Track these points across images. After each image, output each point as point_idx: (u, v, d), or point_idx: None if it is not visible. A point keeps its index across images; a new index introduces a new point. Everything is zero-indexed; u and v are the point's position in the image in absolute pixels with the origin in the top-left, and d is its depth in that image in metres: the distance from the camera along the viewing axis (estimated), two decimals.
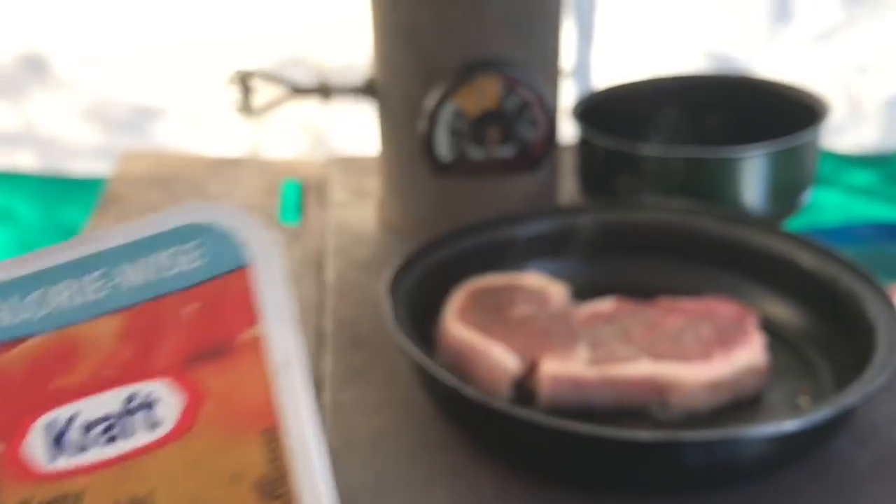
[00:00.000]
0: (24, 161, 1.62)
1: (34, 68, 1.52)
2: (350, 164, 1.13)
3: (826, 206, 1.79)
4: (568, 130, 0.95)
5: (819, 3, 1.58)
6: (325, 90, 0.91)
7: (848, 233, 1.82)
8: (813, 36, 1.58)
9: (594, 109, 1.00)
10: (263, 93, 0.93)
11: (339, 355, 0.72)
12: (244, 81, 0.89)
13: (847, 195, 1.78)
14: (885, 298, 0.66)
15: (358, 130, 1.63)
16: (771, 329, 0.73)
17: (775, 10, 1.60)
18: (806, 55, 1.58)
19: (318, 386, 0.69)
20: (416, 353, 0.60)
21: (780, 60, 1.58)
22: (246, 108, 0.89)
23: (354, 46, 1.49)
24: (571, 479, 0.58)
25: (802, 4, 1.59)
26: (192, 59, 1.53)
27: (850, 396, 0.55)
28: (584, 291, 0.76)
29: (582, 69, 1.57)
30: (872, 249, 1.78)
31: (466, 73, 0.83)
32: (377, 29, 0.88)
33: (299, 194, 1.04)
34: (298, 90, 0.91)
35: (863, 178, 1.78)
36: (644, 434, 0.51)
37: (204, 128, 1.59)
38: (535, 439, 0.55)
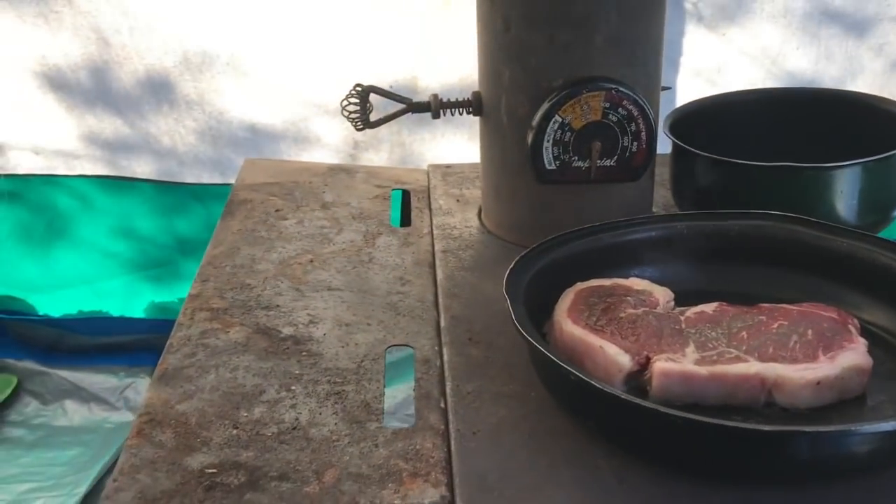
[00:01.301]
0: (142, 172, 1.73)
1: (157, 89, 1.63)
2: (448, 173, 1.19)
3: None
4: (659, 143, 0.99)
5: None
6: (436, 105, 0.97)
7: None
8: (895, 63, 1.59)
9: (686, 122, 1.04)
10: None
11: (457, 350, 0.78)
12: (364, 95, 0.95)
13: None
14: None
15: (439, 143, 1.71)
16: (873, 334, 0.76)
17: (860, 34, 1.61)
18: (887, 81, 1.58)
19: (440, 377, 0.75)
20: (543, 349, 0.64)
21: (862, 87, 1.59)
22: (365, 120, 0.96)
23: (448, 65, 1.58)
24: (687, 466, 0.62)
25: (886, 32, 1.59)
26: (295, 80, 1.62)
27: None
28: (684, 297, 0.81)
29: (668, 93, 1.60)
30: None
31: (573, 89, 0.88)
32: (486, 50, 0.94)
33: (407, 201, 1.11)
34: (413, 105, 0.97)
35: None
36: (765, 425, 0.55)
37: (303, 144, 1.68)
38: (659, 429, 0.60)
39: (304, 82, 1.63)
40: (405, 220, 1.09)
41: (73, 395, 1.92)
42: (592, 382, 0.61)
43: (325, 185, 1.12)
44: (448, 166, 1.21)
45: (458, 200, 1.10)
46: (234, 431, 0.69)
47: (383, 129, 1.68)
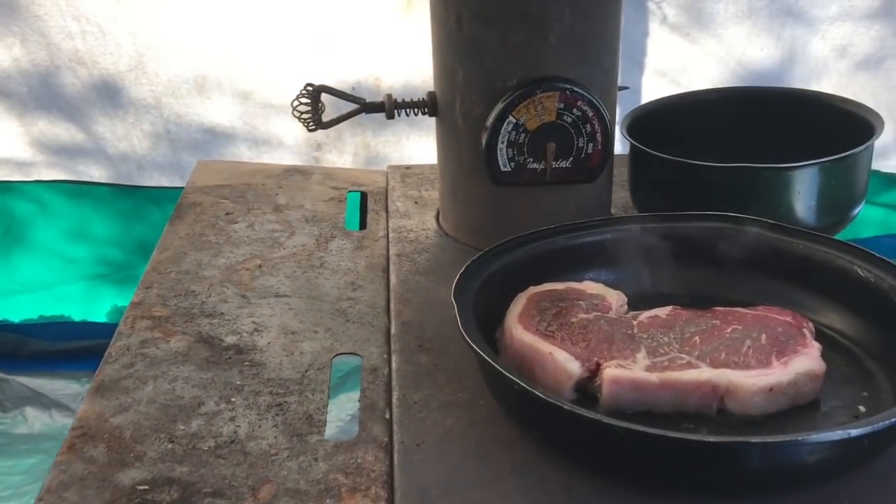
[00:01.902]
0: (99, 176, 1.69)
1: (112, 93, 1.59)
2: (408, 174, 1.16)
3: (867, 220, 1.79)
4: (619, 143, 0.97)
5: (868, 32, 1.58)
6: (390, 106, 0.95)
7: (891, 242, 1.81)
8: (859, 64, 1.58)
9: (644, 122, 1.02)
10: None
11: (407, 357, 0.76)
12: (316, 95, 0.92)
13: (889, 211, 1.77)
14: None
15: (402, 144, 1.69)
16: (827, 338, 0.75)
17: (824, 35, 1.60)
18: (852, 83, 1.57)
19: (387, 386, 0.73)
20: (488, 358, 0.62)
21: (827, 88, 1.58)
22: (317, 121, 0.93)
23: (410, 66, 1.55)
24: (635, 478, 0.60)
25: (850, 33, 1.58)
26: (254, 82, 1.59)
27: None
28: (639, 300, 0.79)
29: (632, 94, 1.59)
30: None
31: (527, 89, 0.86)
32: (440, 48, 0.92)
33: (363, 203, 1.08)
34: (366, 105, 0.94)
35: None
36: (710, 436, 0.53)
37: (263, 146, 1.65)
38: (604, 440, 0.58)
39: (263, 83, 1.60)
40: (364, 223, 1.07)
41: (34, 401, 1.87)
42: (536, 392, 0.59)
43: (279, 188, 1.09)
44: (408, 167, 1.19)
45: (416, 202, 1.08)
46: (170, 445, 0.66)
47: (346, 130, 1.67)
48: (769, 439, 0.53)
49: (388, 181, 1.14)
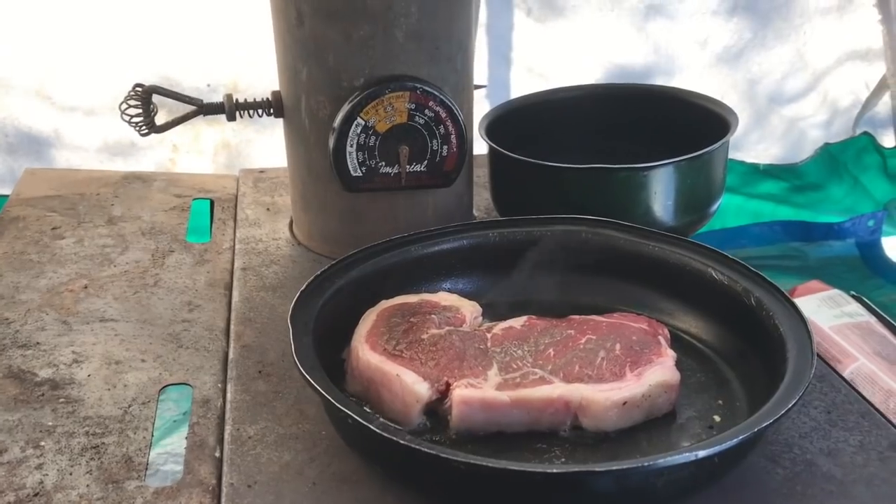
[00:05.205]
0: None
1: None
2: (261, 178, 1.09)
3: (734, 209, 1.83)
4: (483, 143, 0.93)
5: (727, 25, 1.60)
6: (230, 106, 0.88)
7: (757, 230, 1.86)
8: (719, 56, 1.60)
9: (505, 121, 0.99)
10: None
11: (244, 385, 0.69)
12: (147, 97, 0.84)
13: (755, 201, 1.81)
14: (796, 312, 0.66)
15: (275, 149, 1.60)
16: (684, 343, 0.73)
17: (684, 28, 1.61)
18: (713, 74, 1.59)
19: (220, 420, 0.66)
20: (318, 387, 0.57)
21: (689, 80, 1.60)
22: (149, 124, 0.85)
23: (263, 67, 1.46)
24: None
25: (710, 26, 1.60)
26: (105, 85, 1.47)
27: (765, 418, 0.54)
28: (497, 308, 0.75)
29: (500, 89, 1.56)
30: (782, 247, 1.82)
31: (375, 89, 0.81)
32: (282, 45, 0.85)
33: (209, 212, 1.00)
34: (203, 107, 0.87)
35: (770, 186, 1.82)
36: (555, 466, 0.49)
37: (113, 153, 1.53)
38: (446, 474, 0.54)
39: (113, 87, 1.48)
40: (207, 235, 0.99)
41: None
42: (370, 427, 0.54)
43: (116, 197, 1.00)
44: (262, 171, 1.12)
45: (268, 209, 1.01)
46: None
47: (205, 129, 1.57)
48: (615, 467, 0.50)
49: (238, 187, 1.06)
